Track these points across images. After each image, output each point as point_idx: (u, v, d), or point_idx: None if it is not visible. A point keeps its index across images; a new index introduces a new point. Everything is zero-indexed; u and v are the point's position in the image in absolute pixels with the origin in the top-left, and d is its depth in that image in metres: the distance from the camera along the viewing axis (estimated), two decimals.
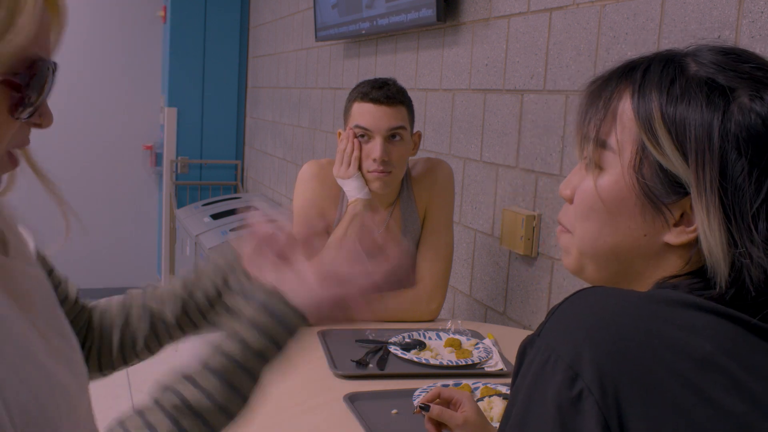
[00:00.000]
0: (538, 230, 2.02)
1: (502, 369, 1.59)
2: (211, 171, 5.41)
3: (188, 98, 5.29)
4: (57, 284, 0.97)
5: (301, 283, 0.82)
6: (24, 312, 0.77)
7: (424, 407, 1.12)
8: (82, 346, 1.00)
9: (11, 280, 0.79)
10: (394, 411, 1.35)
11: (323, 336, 1.73)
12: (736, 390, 0.62)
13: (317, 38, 3.56)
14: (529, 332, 0.70)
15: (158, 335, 1.02)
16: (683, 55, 0.74)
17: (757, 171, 0.67)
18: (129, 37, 5.56)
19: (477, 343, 1.73)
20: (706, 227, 0.68)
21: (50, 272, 0.97)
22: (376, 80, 1.91)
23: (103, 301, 1.04)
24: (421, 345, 1.69)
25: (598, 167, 0.75)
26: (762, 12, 1.37)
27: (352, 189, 1.87)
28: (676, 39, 1.56)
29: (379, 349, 1.66)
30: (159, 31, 5.59)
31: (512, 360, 1.56)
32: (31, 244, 0.92)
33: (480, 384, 1.44)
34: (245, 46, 5.44)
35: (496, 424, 1.19)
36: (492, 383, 1.45)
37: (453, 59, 2.48)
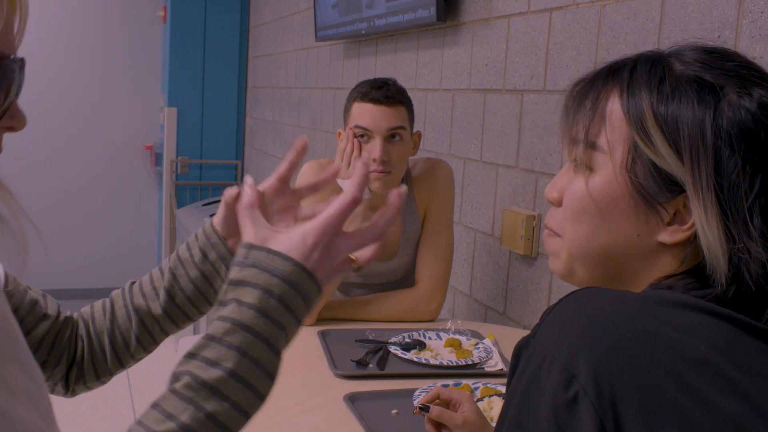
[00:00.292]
0: (538, 230, 2.02)
1: (502, 369, 1.59)
2: (211, 171, 5.41)
3: (188, 98, 5.29)
4: (34, 303, 0.93)
5: (286, 234, 0.72)
6: None
7: (424, 408, 1.12)
8: (73, 358, 0.97)
9: None
10: (394, 411, 1.35)
11: (323, 336, 1.73)
12: (732, 391, 0.62)
13: (317, 38, 3.56)
14: (529, 332, 0.70)
15: (150, 331, 0.98)
16: (667, 55, 0.74)
17: (750, 167, 0.67)
18: (129, 37, 5.56)
19: (477, 343, 1.73)
20: (704, 223, 0.68)
21: (25, 292, 0.91)
22: (375, 80, 1.91)
23: (84, 309, 1.00)
24: (421, 345, 1.69)
25: (589, 168, 0.75)
26: (762, 12, 1.37)
27: None
28: (676, 39, 1.56)
29: (379, 349, 1.66)
30: (159, 31, 5.59)
31: None
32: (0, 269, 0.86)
33: (480, 384, 1.44)
34: (245, 46, 5.44)
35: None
36: (492, 383, 1.45)
37: (453, 59, 2.48)
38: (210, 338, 0.69)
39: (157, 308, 0.96)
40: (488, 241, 2.28)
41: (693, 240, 0.71)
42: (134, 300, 0.97)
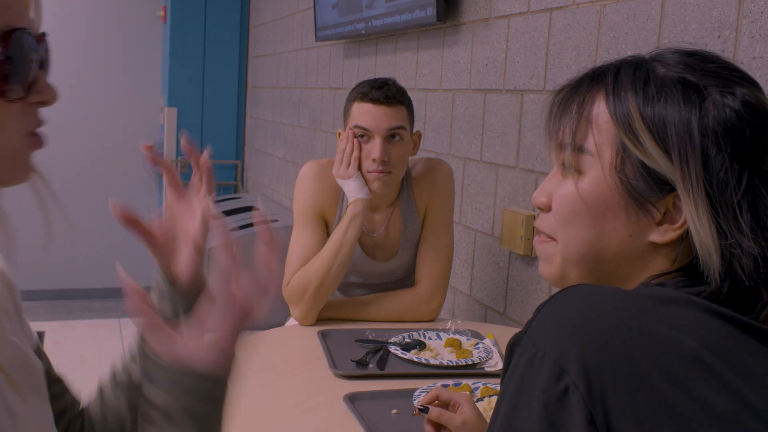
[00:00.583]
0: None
1: (501, 369, 1.59)
2: None
3: (188, 98, 5.29)
4: (58, 379, 0.91)
5: (195, 342, 0.72)
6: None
7: (423, 409, 1.12)
8: None
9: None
10: (394, 411, 1.35)
11: (323, 336, 1.73)
12: (722, 387, 0.63)
13: (317, 38, 3.56)
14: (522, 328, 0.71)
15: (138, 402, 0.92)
16: (649, 59, 0.76)
17: (737, 163, 0.69)
18: (129, 37, 5.56)
19: (477, 343, 1.73)
20: (696, 221, 0.69)
21: (49, 366, 0.89)
22: (375, 80, 1.91)
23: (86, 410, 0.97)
24: (421, 345, 1.69)
25: (577, 171, 0.76)
26: (762, 12, 1.37)
27: (352, 189, 1.87)
28: (676, 39, 1.56)
29: (379, 349, 1.66)
30: (159, 31, 5.59)
31: None
32: (33, 336, 0.86)
33: (480, 384, 1.44)
34: (245, 46, 5.44)
35: None
36: (492, 383, 1.45)
37: (453, 59, 2.48)
38: None
39: (137, 373, 0.94)
40: (488, 241, 2.28)
41: (683, 239, 0.72)
42: (116, 378, 0.96)
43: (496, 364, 1.62)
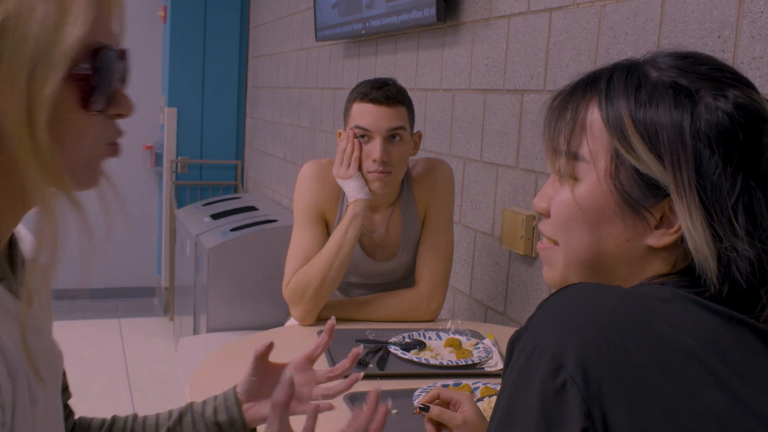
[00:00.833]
0: (538, 230, 2.02)
1: (501, 369, 1.59)
2: (211, 171, 5.41)
3: (188, 98, 5.29)
4: (65, 387, 0.97)
5: None
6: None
7: (424, 408, 1.12)
8: None
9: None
10: (394, 411, 1.35)
11: None
12: (719, 385, 0.63)
13: (317, 38, 3.56)
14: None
15: None
16: (642, 63, 0.76)
17: (730, 167, 0.69)
18: (129, 37, 5.52)
19: (477, 343, 1.73)
20: (689, 225, 0.70)
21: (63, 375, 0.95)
22: (375, 80, 1.91)
23: (85, 418, 1.03)
24: (421, 345, 1.69)
25: (573, 178, 0.77)
26: (762, 12, 1.37)
27: (353, 189, 1.87)
28: (676, 39, 1.56)
29: (379, 349, 1.66)
30: (159, 31, 5.59)
31: None
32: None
33: (480, 384, 1.44)
34: (245, 46, 5.44)
35: None
36: (492, 383, 1.45)
37: (453, 59, 2.48)
38: None
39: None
40: (488, 241, 2.28)
41: (681, 242, 0.72)
42: (134, 427, 1.02)
43: (496, 364, 1.62)
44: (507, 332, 1.89)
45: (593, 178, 0.75)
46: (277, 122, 4.66)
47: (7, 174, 0.69)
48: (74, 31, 0.67)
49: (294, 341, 1.80)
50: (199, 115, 5.34)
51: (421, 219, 2.00)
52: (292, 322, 1.98)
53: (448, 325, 1.83)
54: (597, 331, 0.64)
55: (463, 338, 1.74)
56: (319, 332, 1.76)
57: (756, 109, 0.71)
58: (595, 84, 0.77)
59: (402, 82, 1.98)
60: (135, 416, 1.04)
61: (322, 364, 1.58)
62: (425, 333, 1.77)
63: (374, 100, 1.85)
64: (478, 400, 1.33)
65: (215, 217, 4.07)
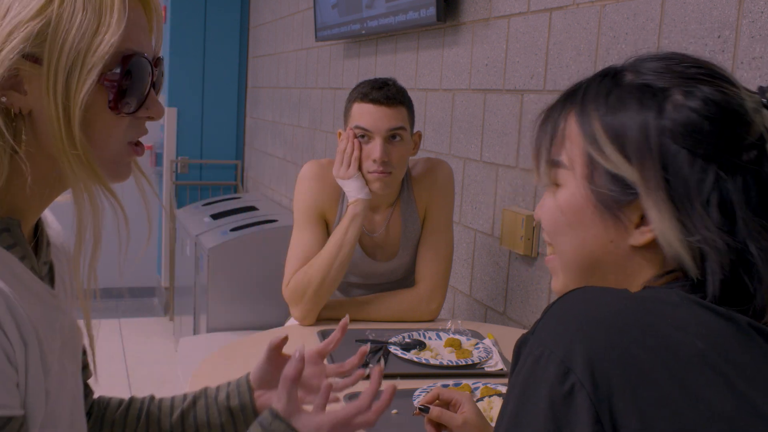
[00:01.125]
0: (538, 230, 2.02)
1: (502, 369, 1.59)
2: (211, 171, 5.41)
3: (188, 98, 5.29)
4: (85, 365, 1.01)
5: (307, 416, 0.93)
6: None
7: (424, 408, 1.12)
8: None
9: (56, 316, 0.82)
10: (394, 411, 1.35)
11: (323, 336, 1.73)
12: (727, 389, 0.63)
13: (317, 38, 3.56)
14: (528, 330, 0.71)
15: None
16: (621, 69, 0.78)
17: (701, 160, 0.70)
18: None
19: (477, 343, 1.73)
20: (658, 220, 0.71)
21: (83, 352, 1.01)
22: (376, 80, 1.91)
23: (104, 397, 1.07)
24: (421, 345, 1.69)
25: (556, 185, 0.80)
26: (762, 12, 1.37)
27: (353, 189, 1.87)
28: (676, 39, 1.56)
29: (379, 349, 1.66)
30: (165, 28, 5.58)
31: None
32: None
33: (480, 384, 1.44)
34: (245, 46, 5.44)
35: None
36: (492, 383, 1.45)
37: (453, 59, 2.48)
38: None
39: (166, 424, 1.05)
40: (488, 241, 2.28)
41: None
42: (150, 408, 1.06)
43: (496, 364, 1.62)
44: (507, 332, 1.89)
45: (573, 183, 0.78)
46: (277, 122, 4.66)
47: (40, 165, 0.77)
48: (108, 39, 0.74)
49: (294, 341, 1.80)
50: (199, 115, 5.34)
51: (421, 219, 2.00)
52: (292, 322, 1.98)
53: (448, 325, 1.83)
54: (604, 335, 0.64)
55: (463, 338, 1.74)
56: (320, 332, 1.76)
57: (728, 103, 0.72)
58: (573, 96, 0.80)
59: (402, 82, 1.98)
60: (152, 397, 1.08)
61: None
62: (425, 333, 1.77)
63: (374, 101, 1.85)
64: (478, 400, 1.33)
65: (215, 217, 4.07)
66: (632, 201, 0.73)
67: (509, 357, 1.65)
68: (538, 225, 2.02)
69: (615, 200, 0.74)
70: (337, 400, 1.10)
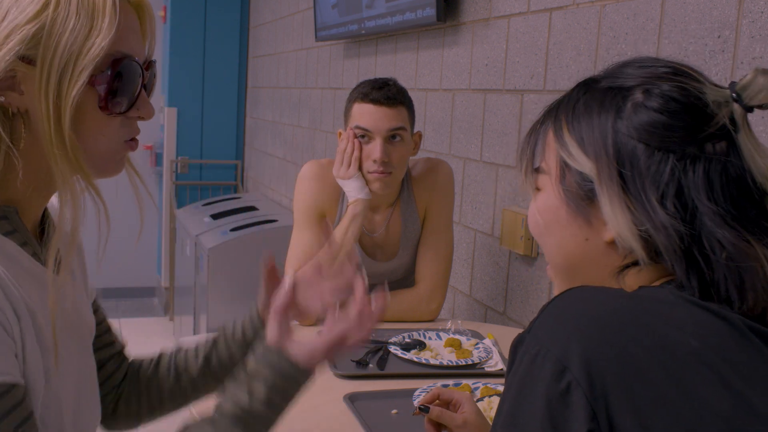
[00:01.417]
0: None
1: (502, 369, 1.59)
2: (211, 171, 5.41)
3: (188, 98, 5.29)
4: (107, 329, 1.09)
5: (305, 345, 0.94)
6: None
7: (424, 408, 1.12)
8: (119, 397, 1.10)
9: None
10: (394, 411, 1.35)
11: None
12: (723, 388, 0.63)
13: (317, 38, 3.56)
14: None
15: (183, 387, 1.09)
16: (598, 77, 0.81)
17: (658, 152, 0.72)
18: None
19: (477, 343, 1.73)
20: (609, 212, 0.73)
21: (104, 318, 1.07)
22: (376, 80, 1.90)
23: (137, 360, 1.14)
24: (421, 345, 1.69)
25: (537, 190, 0.84)
26: (762, 12, 1.37)
27: (353, 189, 1.87)
28: (676, 39, 1.56)
29: (379, 349, 1.66)
30: (159, 31, 5.59)
31: None
32: (93, 293, 1.06)
33: (480, 384, 1.44)
34: (245, 46, 5.44)
35: None
36: (492, 383, 1.45)
37: (453, 59, 2.48)
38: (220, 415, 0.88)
39: (194, 369, 1.09)
40: (488, 241, 2.28)
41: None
42: (177, 358, 1.11)
43: (496, 364, 1.62)
44: (507, 332, 1.89)
45: (549, 186, 0.81)
46: (277, 122, 4.66)
47: (38, 161, 0.81)
48: (99, 42, 0.78)
49: None
50: (199, 115, 5.34)
51: (421, 219, 2.00)
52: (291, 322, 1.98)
53: (448, 325, 1.83)
54: (600, 333, 0.65)
55: (463, 338, 1.74)
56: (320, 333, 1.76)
57: (687, 97, 0.74)
58: (553, 109, 0.84)
59: (402, 82, 1.97)
60: (178, 349, 1.13)
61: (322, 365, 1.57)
62: (425, 333, 1.77)
63: (375, 101, 1.85)
64: (478, 400, 1.33)
65: (215, 217, 4.07)
66: (597, 197, 0.76)
67: (508, 357, 1.65)
68: None
69: (582, 197, 0.76)
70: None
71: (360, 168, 1.87)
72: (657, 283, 0.74)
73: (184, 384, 1.09)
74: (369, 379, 1.53)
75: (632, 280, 0.75)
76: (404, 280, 2.04)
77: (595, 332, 0.65)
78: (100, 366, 1.04)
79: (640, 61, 0.79)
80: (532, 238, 2.04)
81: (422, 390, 1.39)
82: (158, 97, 5.63)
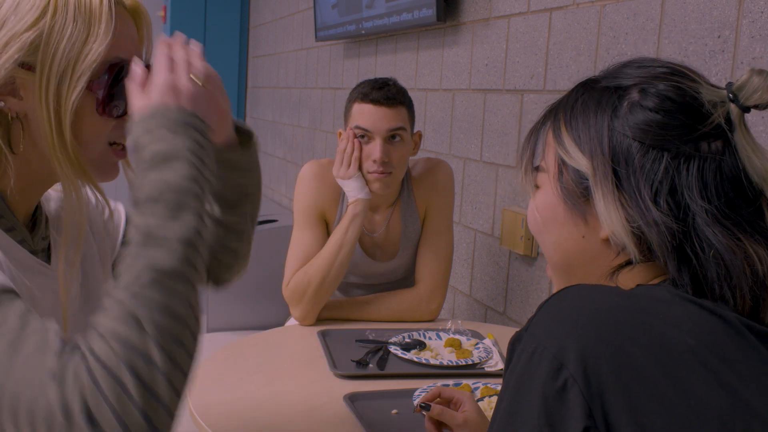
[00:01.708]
0: None
1: (502, 369, 1.59)
2: None
3: None
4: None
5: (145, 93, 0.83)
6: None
7: (425, 406, 1.12)
8: None
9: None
10: (394, 411, 1.35)
11: (323, 336, 1.73)
12: (719, 385, 0.64)
13: (317, 38, 3.56)
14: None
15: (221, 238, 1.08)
16: (597, 77, 0.82)
17: (652, 150, 0.73)
18: None
19: (477, 343, 1.73)
20: (603, 209, 0.74)
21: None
22: (376, 80, 1.90)
23: None
24: (421, 345, 1.69)
25: (536, 187, 0.84)
26: (762, 12, 1.37)
27: (353, 189, 1.87)
28: (676, 39, 1.56)
29: (379, 349, 1.66)
30: (159, 31, 5.58)
31: None
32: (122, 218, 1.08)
33: (480, 384, 1.44)
34: (245, 46, 5.44)
35: None
36: (492, 383, 1.45)
37: (453, 59, 2.48)
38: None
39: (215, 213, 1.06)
40: (488, 241, 2.28)
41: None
42: None
43: (496, 364, 1.62)
44: (507, 332, 1.89)
45: (547, 184, 0.82)
46: (277, 122, 4.66)
47: (35, 163, 0.84)
48: (96, 48, 0.81)
49: (294, 341, 1.80)
50: None
51: (421, 219, 2.00)
52: (292, 322, 1.98)
53: (448, 325, 1.83)
54: (597, 331, 0.65)
55: (463, 338, 1.74)
56: (320, 332, 1.76)
57: (682, 96, 0.74)
58: (554, 110, 0.84)
59: (402, 82, 1.98)
60: None
61: (322, 365, 1.58)
62: (425, 333, 1.77)
63: (374, 101, 1.85)
64: (478, 400, 1.33)
65: None
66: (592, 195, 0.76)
67: (506, 355, 1.65)
68: None
69: (579, 195, 0.77)
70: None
71: (360, 168, 1.87)
72: (654, 282, 0.74)
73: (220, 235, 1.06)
74: (369, 379, 1.53)
75: (628, 279, 0.75)
76: (404, 280, 2.04)
77: (592, 330, 0.65)
78: None
79: (639, 61, 0.80)
80: (532, 238, 2.05)
81: (422, 390, 1.39)
82: None
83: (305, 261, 1.87)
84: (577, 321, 0.66)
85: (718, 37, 1.45)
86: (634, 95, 0.76)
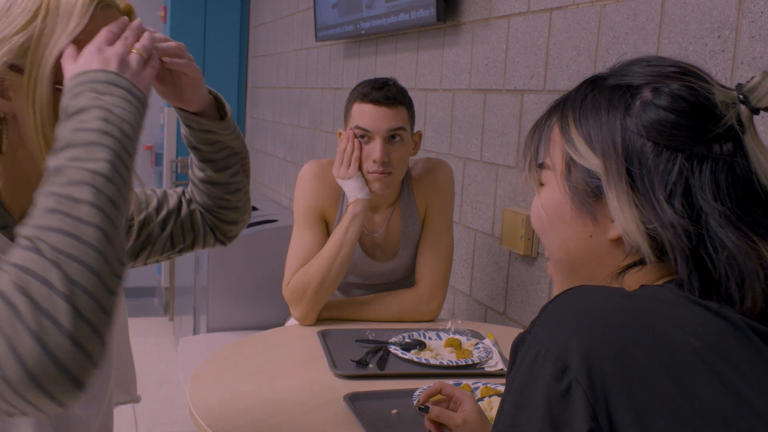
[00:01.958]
0: None
1: (502, 369, 1.59)
2: None
3: None
4: (159, 207, 1.16)
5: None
6: None
7: (423, 408, 1.12)
8: (211, 227, 1.20)
9: None
10: (394, 411, 1.35)
11: (323, 336, 1.73)
12: (723, 387, 0.64)
13: (317, 38, 3.56)
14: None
15: (210, 195, 1.18)
16: (604, 74, 0.81)
17: (666, 151, 0.72)
18: None
19: (477, 343, 1.73)
20: (617, 210, 0.73)
21: (149, 205, 1.15)
22: (376, 80, 1.90)
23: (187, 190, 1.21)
24: (421, 345, 1.69)
25: (541, 185, 0.83)
26: (762, 12, 1.37)
27: (353, 189, 1.87)
28: (676, 39, 1.56)
29: (379, 349, 1.66)
30: (159, 31, 5.58)
31: None
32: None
33: (480, 384, 1.44)
34: (245, 46, 5.44)
35: None
36: (492, 383, 1.45)
37: (453, 59, 2.48)
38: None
39: (197, 174, 1.15)
40: (488, 241, 2.28)
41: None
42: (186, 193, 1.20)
43: (496, 364, 1.62)
44: (507, 332, 1.89)
45: (553, 182, 0.81)
46: (277, 122, 4.66)
47: (26, 163, 0.86)
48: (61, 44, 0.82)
49: (294, 341, 1.80)
50: None
51: (421, 219, 2.00)
52: (292, 322, 1.98)
53: (448, 325, 1.83)
54: (601, 333, 0.65)
55: (463, 338, 1.75)
56: (320, 332, 1.76)
57: (695, 97, 0.74)
58: (560, 105, 0.83)
59: (402, 82, 1.98)
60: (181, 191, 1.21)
61: (322, 365, 1.58)
62: (425, 333, 1.77)
63: (374, 101, 1.85)
64: (478, 400, 1.33)
65: None
66: (603, 195, 0.76)
67: (509, 357, 1.65)
68: None
69: (588, 194, 0.76)
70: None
71: (360, 168, 1.87)
72: (658, 283, 0.74)
73: (207, 192, 1.16)
74: (369, 379, 1.53)
75: (633, 280, 0.75)
76: (404, 280, 2.04)
77: (596, 332, 0.65)
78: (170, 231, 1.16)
79: (647, 59, 0.79)
80: (532, 238, 2.05)
81: (422, 390, 1.39)
82: (158, 97, 5.62)
83: (305, 261, 1.87)
84: (580, 323, 0.66)
85: (718, 37, 1.45)
86: (647, 94, 0.75)
